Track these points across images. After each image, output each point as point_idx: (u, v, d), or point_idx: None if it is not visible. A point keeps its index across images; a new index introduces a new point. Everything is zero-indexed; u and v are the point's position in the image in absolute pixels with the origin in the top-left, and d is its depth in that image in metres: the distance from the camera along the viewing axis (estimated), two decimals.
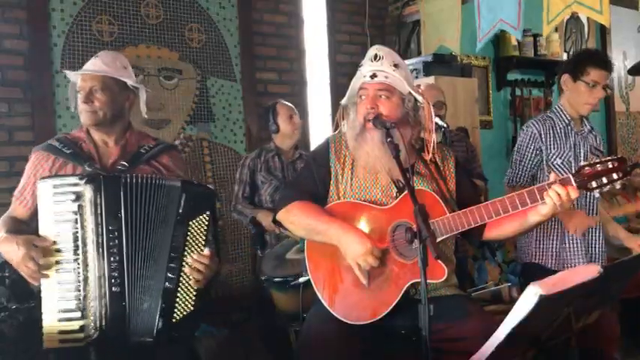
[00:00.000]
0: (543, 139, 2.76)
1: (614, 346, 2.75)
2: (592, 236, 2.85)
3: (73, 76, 2.34)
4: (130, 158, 2.25)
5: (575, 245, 2.79)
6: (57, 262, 1.96)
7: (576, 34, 6.53)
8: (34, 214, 2.10)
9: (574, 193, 1.91)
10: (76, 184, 1.98)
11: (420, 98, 2.19)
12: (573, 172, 1.97)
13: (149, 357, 2.04)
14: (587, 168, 1.94)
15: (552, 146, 2.75)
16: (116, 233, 1.99)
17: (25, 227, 2.13)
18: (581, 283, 1.57)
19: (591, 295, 1.73)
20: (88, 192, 1.97)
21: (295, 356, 2.15)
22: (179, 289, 2.05)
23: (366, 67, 2.17)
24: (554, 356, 1.87)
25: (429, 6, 4.86)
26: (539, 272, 2.72)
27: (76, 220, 1.97)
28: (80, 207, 1.97)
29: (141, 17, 4.09)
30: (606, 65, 2.76)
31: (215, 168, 4.37)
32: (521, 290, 2.43)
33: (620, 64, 6.94)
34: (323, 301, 2.11)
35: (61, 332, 1.94)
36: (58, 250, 1.96)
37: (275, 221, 2.33)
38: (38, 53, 3.69)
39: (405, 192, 2.08)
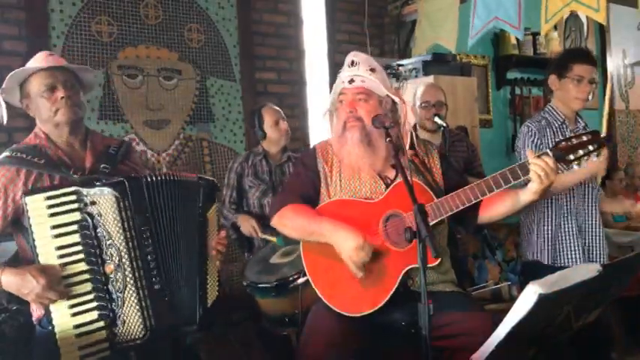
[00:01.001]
0: (542, 138, 2.77)
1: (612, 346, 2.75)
2: (590, 235, 2.84)
3: (22, 73, 2.14)
4: (107, 160, 2.18)
5: (572, 243, 2.79)
6: (65, 277, 1.88)
7: (576, 32, 6.54)
8: (1, 235, 2.08)
9: (550, 160, 1.98)
10: (76, 192, 1.91)
11: (396, 99, 2.27)
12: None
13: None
14: (563, 142, 2.02)
15: (550, 144, 2.76)
16: (148, 233, 2.00)
17: None
18: (581, 282, 1.57)
19: (591, 294, 1.74)
20: (109, 196, 1.93)
21: (297, 353, 2.17)
22: (208, 275, 2.16)
23: (344, 73, 2.26)
24: (553, 355, 1.88)
25: (427, 5, 4.85)
26: (538, 270, 2.72)
27: (86, 227, 1.91)
28: (90, 214, 1.91)
29: (140, 18, 4.09)
30: (588, 59, 2.83)
31: (215, 168, 4.37)
32: (521, 289, 2.43)
33: (619, 62, 6.94)
34: (322, 298, 2.15)
35: (82, 347, 1.88)
36: (66, 264, 1.88)
37: (271, 228, 2.39)
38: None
39: (393, 185, 2.18)
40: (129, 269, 1.94)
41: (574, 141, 2.01)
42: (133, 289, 1.94)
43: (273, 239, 3.15)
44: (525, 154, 2.78)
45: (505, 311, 1.61)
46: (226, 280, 4.25)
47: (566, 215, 2.81)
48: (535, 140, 2.78)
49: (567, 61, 2.81)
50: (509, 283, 3.23)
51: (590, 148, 2.00)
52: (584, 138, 2.01)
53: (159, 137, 4.15)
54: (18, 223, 2.05)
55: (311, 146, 2.54)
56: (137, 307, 1.95)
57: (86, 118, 2.26)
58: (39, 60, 2.15)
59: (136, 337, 1.95)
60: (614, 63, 6.89)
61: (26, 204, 1.86)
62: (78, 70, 2.23)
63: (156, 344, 2.01)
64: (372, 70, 2.23)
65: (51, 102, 2.11)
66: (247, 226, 3.38)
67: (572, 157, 2.01)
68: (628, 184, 5.43)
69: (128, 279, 1.94)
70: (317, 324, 2.13)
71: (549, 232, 2.82)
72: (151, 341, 1.97)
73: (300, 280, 2.57)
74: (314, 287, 2.19)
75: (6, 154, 2.08)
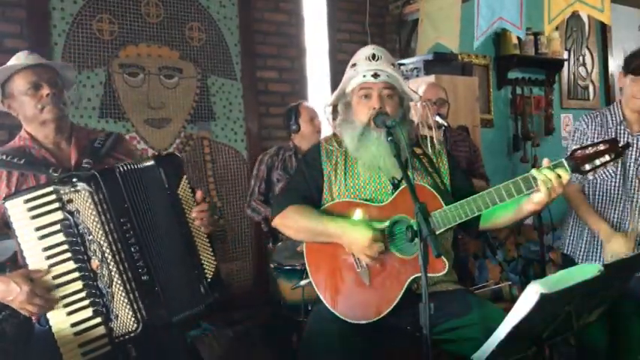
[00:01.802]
0: (589, 136, 2.72)
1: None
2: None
3: (4, 72, 2.12)
4: (90, 154, 2.15)
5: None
6: (55, 277, 1.86)
7: (577, 32, 6.53)
8: None
9: (565, 176, 1.93)
10: (54, 192, 1.88)
11: (415, 97, 2.22)
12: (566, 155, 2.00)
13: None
14: (579, 151, 1.97)
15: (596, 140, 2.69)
16: (128, 225, 1.95)
17: None
18: (582, 282, 1.56)
19: (592, 294, 1.73)
20: (83, 192, 1.89)
21: (298, 355, 2.15)
22: (198, 247, 2.10)
23: (364, 67, 2.16)
24: (554, 354, 1.87)
25: (429, 4, 4.85)
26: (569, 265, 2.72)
27: (69, 225, 1.88)
28: (70, 212, 1.89)
29: (141, 16, 4.09)
30: None
31: (215, 167, 4.36)
32: (521, 289, 2.43)
33: (620, 62, 6.92)
34: (325, 303, 2.11)
35: (82, 344, 1.86)
36: (54, 264, 1.87)
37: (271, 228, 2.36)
38: (39, 53, 3.64)
39: (401, 188, 2.11)
40: (112, 263, 1.91)
41: (590, 150, 1.96)
42: (120, 282, 1.92)
43: None
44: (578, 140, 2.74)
45: (506, 311, 1.61)
46: (227, 278, 4.26)
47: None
48: (584, 137, 2.73)
49: (634, 59, 2.72)
50: (509, 283, 3.22)
51: (607, 157, 1.95)
52: (601, 147, 1.96)
53: (160, 136, 4.14)
54: (8, 225, 2.01)
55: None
56: (126, 300, 1.92)
57: (87, 116, 2.25)
58: (20, 59, 2.13)
59: (130, 330, 1.92)
60: (616, 63, 6.88)
61: (7, 209, 1.85)
62: (60, 67, 2.22)
63: (155, 336, 1.98)
64: (393, 65, 2.18)
65: (36, 99, 2.09)
66: None
67: (587, 167, 1.96)
68: None
69: (113, 273, 1.91)
70: (318, 326, 2.11)
71: (587, 231, 2.78)
72: (148, 334, 1.94)
73: (302, 282, 2.61)
74: (317, 292, 2.15)
75: None
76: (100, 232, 1.91)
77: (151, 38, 4.12)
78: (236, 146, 4.46)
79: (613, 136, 2.66)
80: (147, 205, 2.00)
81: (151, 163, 2.05)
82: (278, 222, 2.24)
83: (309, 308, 2.67)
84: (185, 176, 2.10)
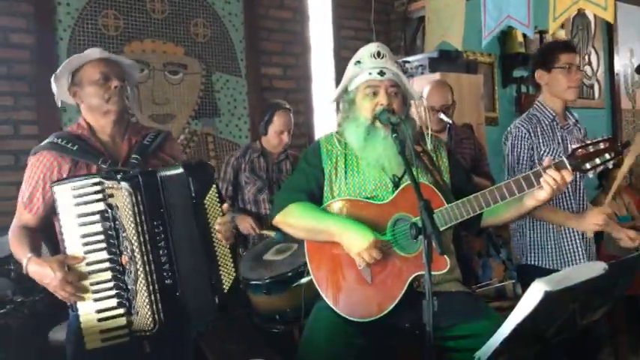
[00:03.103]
0: (533, 138, 2.74)
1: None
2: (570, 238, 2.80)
3: (78, 60, 2.17)
4: (139, 151, 2.20)
5: (574, 243, 2.76)
6: (88, 264, 1.94)
7: (583, 30, 6.52)
8: (44, 220, 2.10)
9: (568, 176, 1.95)
10: (99, 183, 1.96)
11: (417, 96, 2.23)
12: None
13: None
14: (579, 150, 1.98)
15: (542, 143, 2.73)
16: (161, 228, 2.01)
17: (41, 236, 2.12)
18: (587, 280, 1.56)
19: (596, 292, 1.73)
20: (123, 190, 1.95)
21: (299, 351, 2.15)
22: (219, 261, 2.13)
23: (369, 64, 2.15)
24: (555, 353, 1.87)
25: (434, 2, 4.85)
26: (534, 273, 2.69)
27: (107, 218, 1.95)
28: (110, 205, 1.95)
29: (146, 12, 4.09)
30: (571, 47, 2.82)
31: (220, 163, 4.35)
32: (524, 288, 2.42)
33: (626, 61, 6.92)
34: (327, 301, 2.10)
35: (103, 331, 1.94)
36: (89, 252, 1.95)
37: (272, 224, 2.33)
38: (44, 47, 3.70)
39: (403, 186, 2.11)
40: (140, 262, 1.96)
41: (590, 149, 1.97)
42: (144, 282, 1.97)
43: (272, 234, 3.13)
44: (515, 157, 2.76)
45: (509, 309, 1.61)
46: None
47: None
48: (528, 143, 2.73)
49: (552, 52, 2.77)
50: (513, 281, 3.21)
51: (607, 156, 1.97)
52: (602, 145, 1.97)
53: None
54: (55, 210, 2.07)
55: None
56: (147, 300, 1.96)
57: (130, 113, 2.30)
58: (94, 52, 2.20)
59: (147, 329, 1.98)
60: (621, 62, 6.86)
61: (54, 192, 1.94)
62: (128, 66, 2.27)
63: (170, 336, 2.03)
64: (397, 63, 2.18)
65: (104, 90, 2.14)
66: (245, 224, 3.39)
67: (588, 165, 1.97)
68: (632, 183, 5.38)
69: (139, 272, 1.96)
70: (319, 322, 2.10)
71: (552, 235, 2.76)
72: (163, 333, 1.99)
73: (303, 280, 2.56)
74: (318, 289, 2.13)
75: (49, 139, 2.14)
76: (133, 231, 1.96)
77: (156, 34, 4.13)
78: (240, 142, 4.47)
79: (549, 131, 2.75)
80: (176, 212, 2.05)
81: (180, 170, 2.08)
82: (279, 220, 2.23)
83: (278, 318, 2.66)
84: (214, 186, 2.14)
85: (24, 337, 2.04)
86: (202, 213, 2.10)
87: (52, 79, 2.18)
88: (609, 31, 6.73)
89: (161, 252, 2.01)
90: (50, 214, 2.08)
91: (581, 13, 6.30)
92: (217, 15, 4.40)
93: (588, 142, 2.01)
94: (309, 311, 2.25)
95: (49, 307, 2.65)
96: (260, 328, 2.91)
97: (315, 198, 2.22)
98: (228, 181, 3.57)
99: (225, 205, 2.16)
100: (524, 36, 5.45)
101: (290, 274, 2.56)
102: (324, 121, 5.01)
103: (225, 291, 2.13)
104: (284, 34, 4.78)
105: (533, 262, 2.80)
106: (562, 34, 5.94)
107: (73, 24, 3.82)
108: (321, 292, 2.13)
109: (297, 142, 4.27)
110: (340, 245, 2.08)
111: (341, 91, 2.27)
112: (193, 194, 2.08)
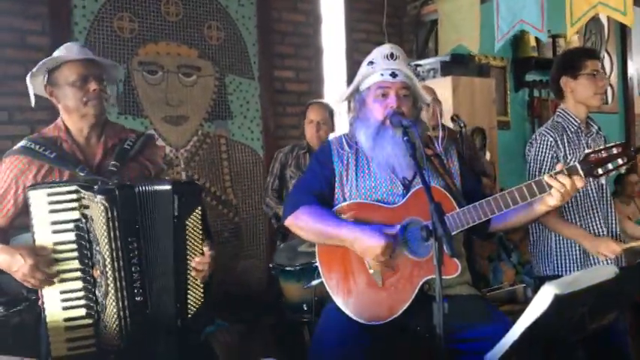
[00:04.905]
0: (560, 146, 2.72)
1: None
2: (614, 231, 2.78)
3: (55, 61, 2.11)
4: (117, 156, 2.14)
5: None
6: (59, 272, 1.91)
7: (596, 35, 6.49)
8: (12, 223, 2.10)
9: (580, 183, 1.94)
10: (76, 192, 1.91)
11: (428, 99, 2.25)
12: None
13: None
14: (592, 155, 1.97)
15: (569, 152, 2.71)
16: (135, 244, 1.94)
17: (5, 237, 2.10)
18: (597, 284, 1.56)
19: (606, 296, 1.73)
20: (99, 204, 1.88)
21: (309, 353, 2.16)
22: (188, 284, 2.05)
23: (381, 65, 2.15)
24: (565, 357, 1.87)
25: (447, 5, 4.84)
26: None
27: (82, 228, 1.91)
28: (85, 216, 1.91)
29: (161, 15, 4.13)
30: (595, 54, 2.83)
31: (232, 165, 4.40)
32: (536, 291, 2.41)
33: (639, 66, 6.87)
34: (337, 303, 2.10)
35: (70, 340, 1.91)
36: (59, 260, 1.91)
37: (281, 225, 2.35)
38: None
39: (414, 189, 2.11)
40: (111, 278, 1.91)
41: (603, 154, 1.96)
42: (113, 298, 1.91)
43: None
44: (538, 165, 2.71)
45: (520, 312, 1.61)
46: (241, 275, 4.29)
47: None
48: (553, 151, 2.70)
49: (579, 59, 2.75)
50: (524, 285, 3.21)
51: (620, 162, 1.96)
52: (614, 151, 1.96)
53: (177, 133, 4.19)
54: (28, 214, 2.03)
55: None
56: (115, 315, 1.92)
57: (106, 113, 2.27)
58: (72, 50, 2.15)
59: (114, 343, 1.94)
60: (635, 67, 6.82)
61: (29, 197, 1.89)
62: (108, 66, 2.24)
63: (136, 353, 1.97)
64: (409, 65, 2.19)
65: (82, 92, 2.09)
66: None
67: (600, 171, 1.96)
68: None
69: (110, 287, 1.91)
70: (330, 324, 2.11)
71: (577, 243, 2.71)
72: (130, 350, 1.95)
73: (314, 283, 2.61)
74: (329, 292, 2.13)
75: (22, 143, 2.09)
76: (107, 246, 1.90)
77: (170, 37, 4.16)
78: (252, 145, 4.49)
79: (575, 139, 2.72)
80: (155, 229, 1.99)
81: (167, 187, 1.99)
82: (290, 222, 2.23)
83: (306, 308, 2.78)
84: (199, 207, 2.04)
85: (39, 334, 2.05)
86: (181, 233, 2.01)
87: (28, 78, 2.14)
88: (623, 35, 6.69)
89: (134, 269, 1.94)
90: (20, 216, 2.07)
91: (595, 18, 6.26)
92: (231, 18, 4.44)
93: (601, 147, 2.00)
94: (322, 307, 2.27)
95: None
96: (289, 319, 3.10)
97: (326, 198, 2.21)
98: (275, 175, 3.77)
99: (207, 250, 2.06)
100: (537, 40, 5.43)
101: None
102: (336, 124, 5.01)
103: (189, 316, 2.06)
104: (297, 37, 4.80)
105: (559, 273, 2.75)
106: (575, 39, 5.92)
107: (88, 26, 3.86)
108: (331, 295, 2.13)
109: None
110: (350, 249, 2.08)
111: (352, 90, 2.27)
112: (176, 213, 1.99)
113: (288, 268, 2.93)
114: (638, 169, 5.70)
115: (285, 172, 3.72)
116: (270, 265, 3.12)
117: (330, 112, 3.76)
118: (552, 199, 1.96)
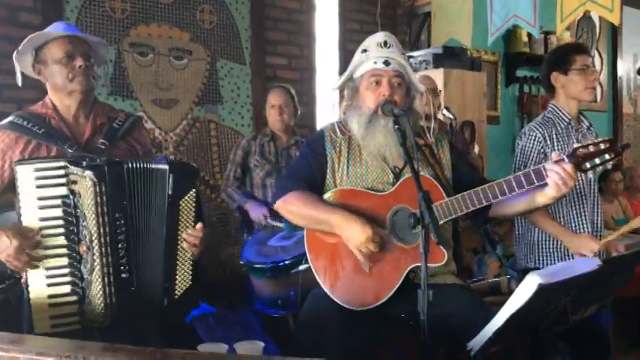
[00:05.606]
0: (548, 142, 2.73)
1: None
2: (598, 226, 2.82)
3: (40, 38, 2.10)
4: (106, 135, 2.14)
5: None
6: (46, 247, 1.90)
7: (587, 33, 6.51)
8: (3, 199, 2.08)
9: (572, 170, 1.96)
10: (64, 167, 1.91)
11: (422, 88, 2.25)
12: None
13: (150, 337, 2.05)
14: (580, 150, 1.99)
15: (557, 148, 2.74)
16: (122, 221, 1.95)
17: None
18: (580, 275, 1.59)
19: (589, 289, 1.75)
20: (87, 179, 1.89)
21: (294, 339, 2.17)
22: (177, 266, 2.06)
23: (375, 53, 2.16)
24: (548, 347, 1.90)
25: None
26: None
27: (69, 204, 1.91)
28: (72, 192, 1.91)
29: None
30: (585, 49, 2.86)
31: (221, 150, 4.39)
32: (518, 284, 2.43)
33: (630, 65, 6.92)
34: (324, 288, 2.11)
35: (53, 317, 1.91)
36: (45, 236, 1.90)
37: (272, 210, 2.33)
38: None
39: (404, 178, 2.13)
40: (97, 254, 1.92)
41: (591, 149, 1.99)
42: (99, 274, 1.92)
43: (281, 225, 3.16)
44: (524, 160, 2.73)
45: (503, 304, 1.63)
46: (226, 262, 4.29)
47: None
48: (540, 147, 2.72)
49: (569, 54, 2.77)
50: (508, 277, 3.24)
51: (607, 157, 1.99)
52: (602, 146, 1.99)
53: (167, 117, 4.17)
54: (15, 189, 2.02)
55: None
56: (101, 292, 1.93)
57: (96, 93, 2.26)
58: (58, 28, 2.14)
59: (99, 320, 1.94)
60: (625, 66, 6.86)
61: (16, 172, 1.89)
62: (95, 44, 2.22)
63: (120, 331, 1.94)
64: (403, 54, 2.19)
65: (68, 69, 2.09)
66: (258, 213, 3.40)
67: (588, 165, 1.99)
68: (628, 185, 5.40)
69: (96, 263, 1.92)
70: (315, 310, 2.12)
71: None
72: (114, 327, 1.95)
73: (301, 267, 2.59)
74: (317, 277, 2.15)
75: (10, 118, 2.09)
76: (94, 221, 1.91)
77: (162, 19, 4.13)
78: (242, 130, 4.48)
79: (565, 136, 2.74)
80: (144, 206, 2.00)
81: (163, 166, 2.01)
82: (280, 205, 2.23)
83: (281, 303, 2.68)
84: (194, 190, 2.05)
85: (23, 312, 2.04)
86: (174, 213, 2.02)
87: (14, 56, 2.13)
88: (614, 34, 6.72)
89: (120, 245, 1.95)
90: (6, 191, 2.06)
91: (586, 16, 6.29)
92: (224, 2, 4.41)
93: (589, 142, 2.02)
94: (305, 298, 2.26)
95: None
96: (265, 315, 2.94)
97: (317, 185, 2.22)
98: (237, 163, 3.62)
99: (199, 225, 2.06)
100: (529, 36, 5.45)
101: (293, 259, 2.58)
102: (326, 113, 5.02)
103: (175, 297, 2.07)
104: (290, 24, 4.79)
105: (541, 265, 2.79)
106: (567, 36, 5.94)
107: (80, 5, 3.83)
108: (319, 280, 2.14)
109: (299, 133, 4.27)
110: (339, 235, 2.09)
111: (346, 78, 2.28)
112: (170, 192, 2.00)
113: (258, 266, 2.74)
114: (623, 167, 5.76)
115: (249, 160, 3.60)
116: (241, 262, 2.90)
117: (291, 96, 3.67)
118: (550, 191, 1.98)
